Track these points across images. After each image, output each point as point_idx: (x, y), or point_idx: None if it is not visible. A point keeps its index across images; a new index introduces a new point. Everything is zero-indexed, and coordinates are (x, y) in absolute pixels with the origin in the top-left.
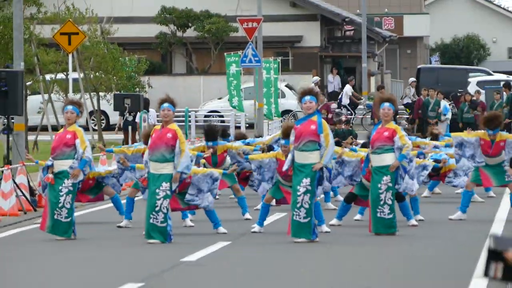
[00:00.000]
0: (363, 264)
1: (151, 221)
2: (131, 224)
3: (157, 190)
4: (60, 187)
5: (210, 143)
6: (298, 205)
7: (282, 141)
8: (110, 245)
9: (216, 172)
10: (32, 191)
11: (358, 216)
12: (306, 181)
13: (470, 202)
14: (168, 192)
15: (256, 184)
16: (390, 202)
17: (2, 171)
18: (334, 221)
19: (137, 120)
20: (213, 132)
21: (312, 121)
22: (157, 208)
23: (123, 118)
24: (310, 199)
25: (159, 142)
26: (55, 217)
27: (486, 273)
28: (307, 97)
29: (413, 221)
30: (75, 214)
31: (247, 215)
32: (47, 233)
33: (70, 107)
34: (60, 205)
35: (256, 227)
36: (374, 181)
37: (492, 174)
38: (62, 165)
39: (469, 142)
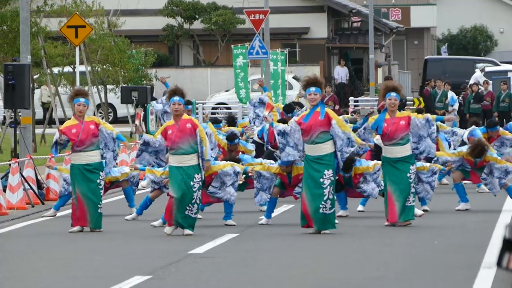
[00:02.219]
0: (371, 255)
1: (186, 212)
2: (138, 218)
3: (191, 183)
4: (98, 180)
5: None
6: (325, 198)
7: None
8: (118, 238)
9: (238, 166)
10: (39, 185)
11: (360, 207)
12: (328, 172)
13: (478, 192)
14: (201, 183)
15: (255, 192)
16: (413, 190)
17: (10, 165)
18: (341, 212)
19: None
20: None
21: (318, 113)
22: (193, 201)
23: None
24: (333, 189)
25: (183, 135)
26: (99, 211)
27: (499, 263)
28: (312, 89)
29: (419, 211)
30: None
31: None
32: (93, 228)
33: (82, 100)
34: (101, 199)
35: (263, 219)
36: (401, 172)
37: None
38: (92, 156)
39: (455, 160)
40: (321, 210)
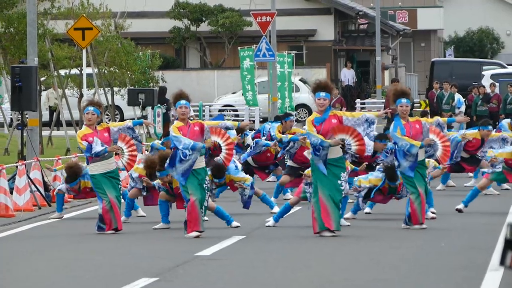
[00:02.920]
0: (377, 257)
1: (202, 215)
2: (129, 220)
3: (204, 185)
4: (119, 186)
5: None
6: (341, 200)
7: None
8: (125, 240)
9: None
10: (46, 187)
11: (367, 209)
12: (344, 175)
13: (486, 195)
14: (209, 185)
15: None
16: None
17: (17, 167)
18: (349, 214)
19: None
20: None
21: (330, 117)
22: (205, 203)
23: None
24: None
25: (195, 138)
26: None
27: (502, 262)
28: (322, 94)
29: (429, 213)
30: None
31: (275, 209)
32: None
33: (91, 108)
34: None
35: (270, 221)
36: (420, 175)
37: None
38: (111, 163)
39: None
40: (339, 212)
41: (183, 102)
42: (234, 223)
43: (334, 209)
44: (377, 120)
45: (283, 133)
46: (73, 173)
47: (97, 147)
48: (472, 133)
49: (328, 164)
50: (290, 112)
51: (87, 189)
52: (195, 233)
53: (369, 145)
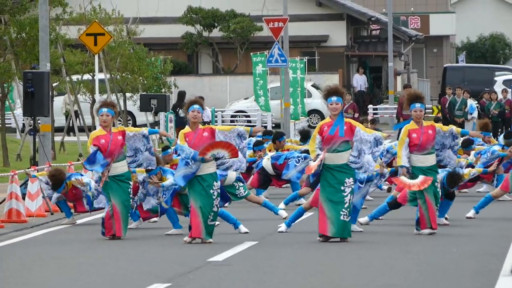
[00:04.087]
0: (389, 262)
1: (208, 222)
2: (141, 226)
3: (211, 191)
4: (129, 189)
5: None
6: (346, 205)
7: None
8: (137, 245)
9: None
10: None
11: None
12: (349, 180)
13: (498, 200)
14: (219, 191)
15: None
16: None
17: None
18: (364, 219)
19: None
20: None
21: (342, 123)
22: (214, 209)
23: (175, 116)
24: (352, 198)
25: (202, 144)
26: (128, 220)
27: None
28: (334, 98)
29: (443, 220)
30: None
31: (281, 212)
32: (124, 236)
33: (105, 110)
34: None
35: (282, 227)
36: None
37: None
38: (122, 166)
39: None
40: (341, 217)
41: (196, 106)
42: (243, 229)
43: (331, 214)
44: (386, 140)
45: (276, 150)
46: (58, 180)
47: (95, 166)
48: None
49: (331, 169)
50: (283, 132)
51: (73, 190)
52: (189, 239)
53: (371, 165)
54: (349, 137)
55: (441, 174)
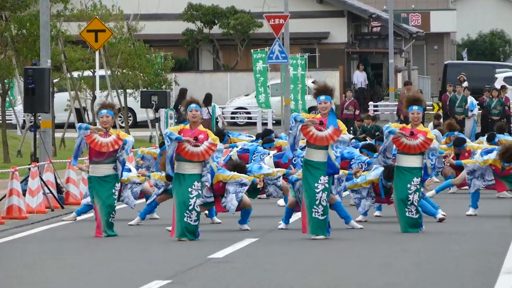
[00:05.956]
0: (390, 261)
1: (185, 219)
2: (142, 223)
3: (189, 189)
4: (113, 190)
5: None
6: (317, 203)
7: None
8: (136, 243)
9: (247, 178)
10: (59, 189)
11: (377, 212)
12: (324, 178)
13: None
14: (199, 192)
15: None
16: (416, 203)
17: (29, 169)
18: (360, 217)
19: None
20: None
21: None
22: (190, 207)
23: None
24: (327, 196)
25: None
26: (111, 220)
27: None
28: (322, 97)
29: (439, 215)
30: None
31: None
32: (106, 236)
33: (104, 111)
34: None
35: (282, 224)
36: (402, 182)
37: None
38: (109, 168)
39: (480, 168)
40: (313, 215)
41: (193, 105)
42: (245, 226)
43: (307, 212)
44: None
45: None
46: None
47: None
48: (491, 160)
49: (309, 165)
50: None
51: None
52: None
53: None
54: (338, 137)
55: (377, 171)
